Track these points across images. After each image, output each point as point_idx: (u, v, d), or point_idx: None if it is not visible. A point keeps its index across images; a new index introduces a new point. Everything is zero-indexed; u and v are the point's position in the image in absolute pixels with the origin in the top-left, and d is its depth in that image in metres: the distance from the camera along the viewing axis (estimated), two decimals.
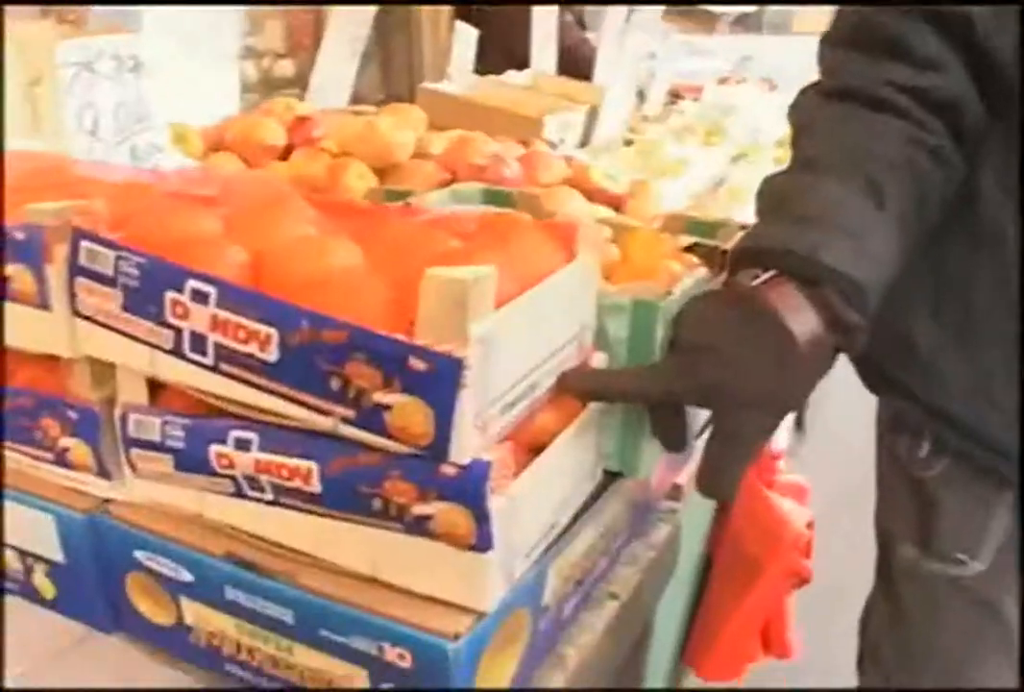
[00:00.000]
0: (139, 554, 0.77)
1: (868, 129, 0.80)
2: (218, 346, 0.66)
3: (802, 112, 0.87)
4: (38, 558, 0.84)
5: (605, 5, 2.74)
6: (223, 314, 0.65)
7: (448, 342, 0.57)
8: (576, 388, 0.74)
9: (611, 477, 0.86)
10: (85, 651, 0.94)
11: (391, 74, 2.97)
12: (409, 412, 0.59)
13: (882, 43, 0.81)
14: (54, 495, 0.82)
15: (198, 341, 0.67)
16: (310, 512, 0.68)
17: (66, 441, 0.81)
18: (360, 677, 0.69)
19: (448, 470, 0.60)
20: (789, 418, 2.42)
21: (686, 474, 1.13)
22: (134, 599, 0.80)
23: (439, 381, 0.57)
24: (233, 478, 0.71)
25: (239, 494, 0.71)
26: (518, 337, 0.64)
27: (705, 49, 4.59)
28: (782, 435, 2.00)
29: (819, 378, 0.74)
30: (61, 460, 0.82)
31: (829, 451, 2.48)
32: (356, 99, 2.41)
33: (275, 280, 0.68)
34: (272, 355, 0.64)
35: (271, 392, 0.65)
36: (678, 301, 0.79)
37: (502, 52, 2.70)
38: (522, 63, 2.63)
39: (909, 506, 1.08)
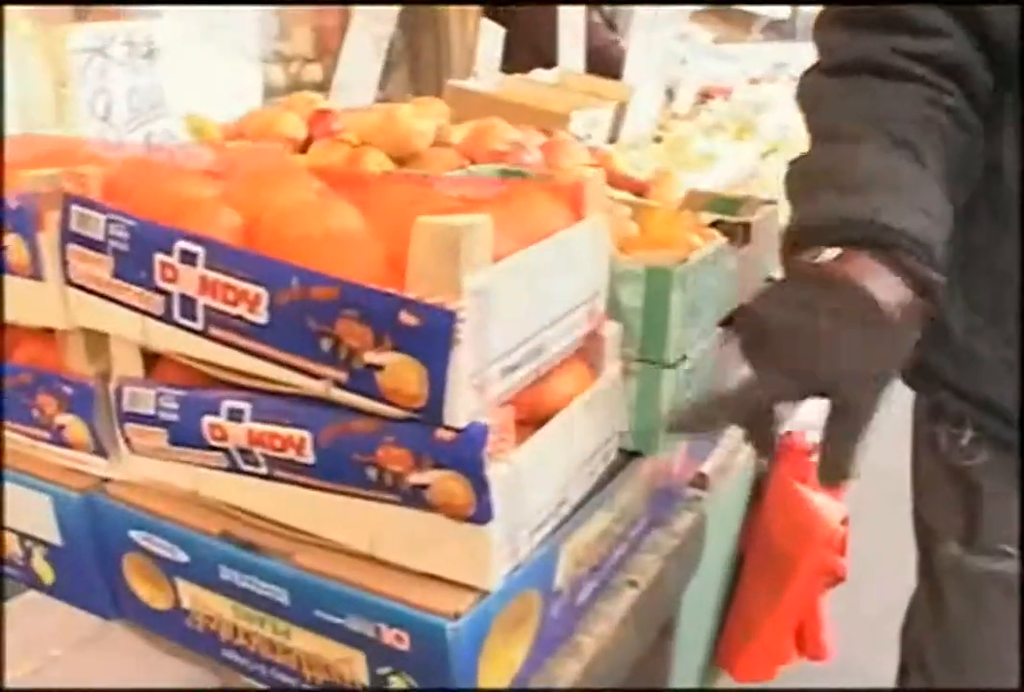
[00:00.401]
0: (135, 534, 0.74)
1: (883, 95, 0.77)
2: (208, 309, 0.63)
3: (808, 92, 0.84)
4: (37, 541, 0.82)
5: (633, 4, 2.71)
6: (212, 275, 0.62)
7: (440, 294, 0.53)
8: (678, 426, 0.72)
9: (628, 458, 0.82)
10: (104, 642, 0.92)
11: (419, 75, 2.95)
12: (401, 372, 0.56)
13: (882, 17, 0.78)
14: (50, 475, 0.79)
15: (188, 305, 0.64)
16: (305, 486, 0.65)
17: (62, 418, 0.78)
18: (358, 660, 0.66)
19: (443, 434, 0.57)
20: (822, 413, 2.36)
21: (712, 464, 1.09)
22: (132, 583, 0.77)
23: (431, 336, 0.54)
24: (227, 451, 0.68)
25: (234, 468, 0.68)
26: (519, 294, 0.60)
27: (735, 55, 4.54)
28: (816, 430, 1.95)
29: (913, 342, 0.70)
30: (58, 438, 0.79)
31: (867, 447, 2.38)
32: (384, 100, 2.39)
33: (270, 242, 0.65)
34: (261, 316, 0.61)
35: (261, 356, 0.62)
36: (695, 268, 0.75)
37: (530, 52, 2.67)
38: (550, 63, 2.60)
39: (951, 498, 1.04)
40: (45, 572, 0.84)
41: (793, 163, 0.80)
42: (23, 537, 0.83)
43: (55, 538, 0.80)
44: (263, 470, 0.67)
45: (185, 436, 0.70)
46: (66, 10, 1.47)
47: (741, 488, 1.34)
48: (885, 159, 0.73)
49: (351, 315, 0.56)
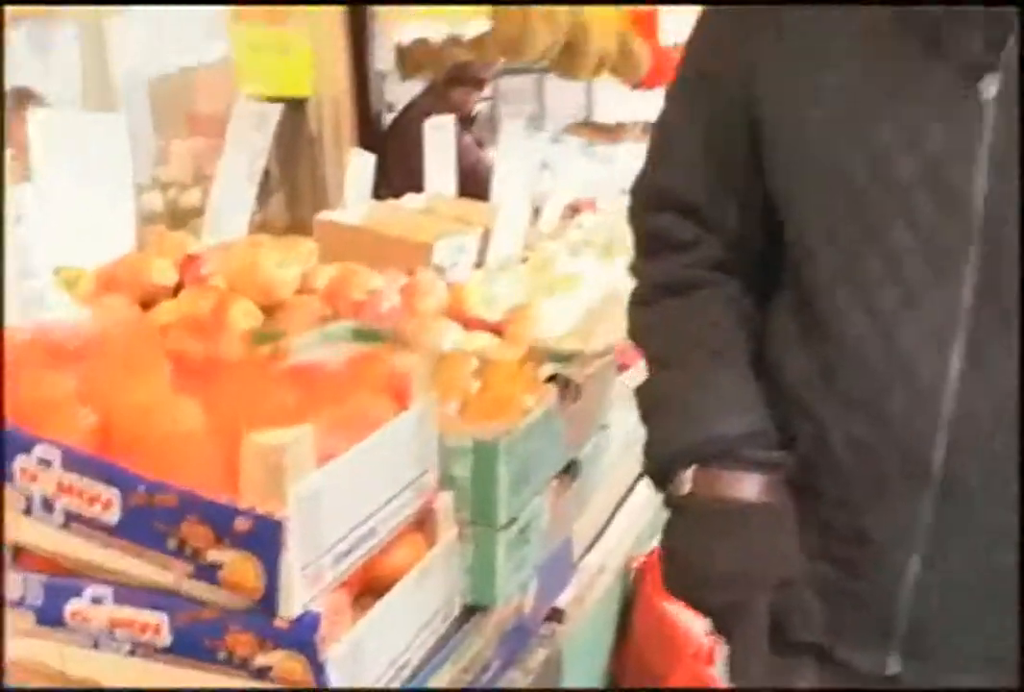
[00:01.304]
0: None
1: (686, 314, 0.91)
2: (66, 509, 0.69)
3: (635, 326, 0.97)
4: None
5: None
6: (68, 478, 0.68)
7: (269, 503, 0.61)
8: None
9: (473, 612, 0.88)
10: None
11: (296, 201, 3.03)
12: (240, 568, 0.63)
13: (664, 243, 0.93)
14: None
15: (47, 504, 0.70)
16: (165, 663, 0.70)
17: None
18: None
19: (280, 622, 0.64)
20: None
21: (567, 596, 1.14)
22: None
23: (263, 539, 0.61)
24: (90, 633, 0.73)
25: (97, 648, 0.73)
26: (347, 490, 0.68)
27: (609, 155, 4.72)
28: None
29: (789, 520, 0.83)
30: None
31: None
32: (262, 225, 2.46)
33: (123, 443, 0.71)
34: (115, 516, 0.67)
35: (118, 549, 0.68)
36: (521, 438, 0.83)
37: (404, 176, 2.77)
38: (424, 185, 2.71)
39: None
40: None
41: (639, 389, 0.92)
42: None
43: None
44: (126, 648, 0.72)
45: (50, 619, 0.75)
46: None
47: (605, 614, 1.39)
48: (705, 376, 0.87)
49: (193, 519, 0.63)
